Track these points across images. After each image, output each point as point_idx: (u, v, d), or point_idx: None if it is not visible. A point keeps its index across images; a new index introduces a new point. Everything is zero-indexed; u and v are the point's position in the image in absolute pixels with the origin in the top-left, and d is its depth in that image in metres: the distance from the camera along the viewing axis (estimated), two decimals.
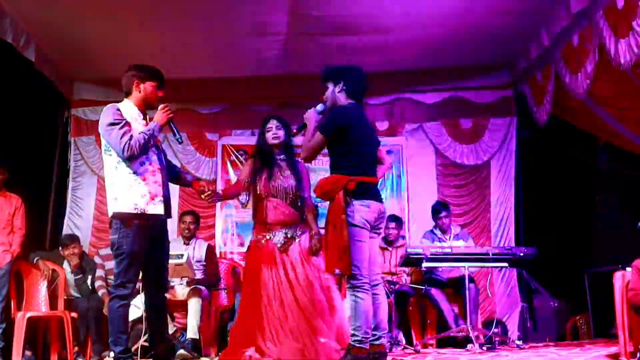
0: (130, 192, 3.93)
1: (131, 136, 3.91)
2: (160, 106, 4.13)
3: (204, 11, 6.01)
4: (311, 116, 4.04)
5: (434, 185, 7.63)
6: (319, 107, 4.10)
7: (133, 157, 3.92)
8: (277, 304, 4.32)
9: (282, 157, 4.64)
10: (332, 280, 4.49)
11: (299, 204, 4.61)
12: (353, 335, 3.76)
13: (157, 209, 3.97)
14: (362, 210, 3.82)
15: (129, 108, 4.08)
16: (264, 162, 4.61)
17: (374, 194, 3.94)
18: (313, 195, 4.45)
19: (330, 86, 4.06)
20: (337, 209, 3.76)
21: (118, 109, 4.00)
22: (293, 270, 4.41)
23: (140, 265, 4.00)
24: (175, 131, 4.19)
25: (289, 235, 4.52)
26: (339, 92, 4.03)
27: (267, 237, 4.54)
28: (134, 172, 3.95)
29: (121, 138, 3.87)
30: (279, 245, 4.50)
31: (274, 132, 4.60)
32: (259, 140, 4.71)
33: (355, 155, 3.89)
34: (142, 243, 3.94)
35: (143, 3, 5.85)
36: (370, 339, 3.79)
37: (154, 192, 3.97)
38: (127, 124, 3.95)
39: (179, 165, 7.51)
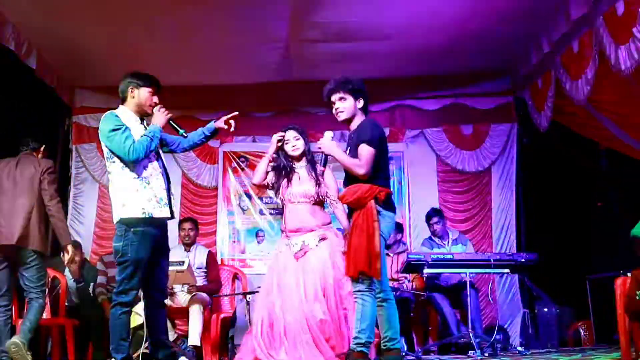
0: (138, 196, 3.96)
1: (134, 139, 3.95)
2: (155, 108, 4.16)
3: (205, 18, 6.03)
4: (329, 143, 4.10)
5: (435, 192, 7.63)
6: (329, 133, 4.17)
7: (138, 160, 3.95)
8: (287, 313, 4.31)
9: (302, 164, 4.66)
10: (349, 292, 4.34)
11: (323, 209, 4.64)
12: (356, 338, 3.80)
13: (164, 212, 4.02)
14: (387, 221, 3.96)
15: (126, 114, 4.14)
16: (282, 173, 4.64)
17: (394, 206, 4.10)
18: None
19: (350, 99, 4.10)
20: (370, 215, 3.84)
21: (117, 115, 4.06)
22: (307, 279, 4.40)
23: (144, 272, 4.01)
24: (177, 127, 4.25)
25: (306, 242, 4.51)
26: (360, 107, 4.12)
27: (287, 244, 4.56)
28: (139, 177, 3.98)
29: (124, 142, 3.92)
30: (295, 252, 4.50)
31: (293, 144, 4.65)
32: (278, 152, 4.71)
33: (384, 166, 4.05)
34: (146, 250, 3.96)
35: (144, 11, 5.86)
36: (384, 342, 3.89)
37: (159, 195, 4.01)
38: (128, 128, 4.00)
39: (180, 172, 7.59)
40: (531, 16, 6.00)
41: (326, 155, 4.14)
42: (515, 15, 5.96)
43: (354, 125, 4.14)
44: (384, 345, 3.97)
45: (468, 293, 5.67)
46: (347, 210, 4.20)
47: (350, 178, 4.01)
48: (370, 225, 3.82)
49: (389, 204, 4.00)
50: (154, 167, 4.06)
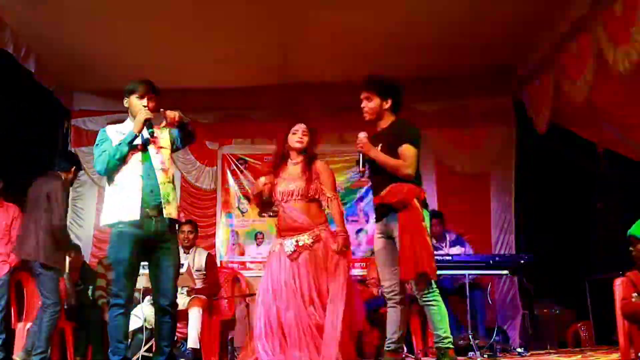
0: (111, 201, 4.08)
1: (105, 152, 4.07)
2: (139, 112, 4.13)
3: (202, 21, 6.04)
4: (366, 143, 4.05)
5: (433, 194, 7.62)
6: (364, 134, 4.10)
7: (103, 174, 4.12)
8: (285, 314, 4.26)
9: (298, 159, 4.50)
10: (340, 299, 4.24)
11: (319, 207, 4.45)
12: (446, 338, 3.86)
13: (133, 214, 3.99)
14: (427, 222, 3.96)
15: (128, 124, 4.20)
16: (276, 166, 4.55)
17: (428, 207, 4.10)
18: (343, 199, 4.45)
19: (377, 99, 4.09)
20: (418, 216, 3.86)
21: (105, 130, 4.20)
22: (299, 281, 4.32)
23: (131, 273, 4.02)
24: (147, 128, 4.11)
25: (299, 243, 4.33)
26: (387, 107, 4.11)
27: (279, 244, 4.42)
28: (114, 182, 4.09)
29: (97, 157, 4.10)
30: (289, 253, 4.34)
31: (300, 137, 4.48)
32: (280, 142, 4.61)
33: (419, 167, 4.03)
34: (125, 250, 3.97)
35: (142, 14, 5.86)
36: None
37: (131, 198, 4.01)
38: (106, 141, 4.11)
39: (179, 174, 7.58)
40: (530, 18, 6.01)
41: (365, 156, 4.06)
42: (513, 16, 5.97)
43: (383, 124, 4.13)
44: (388, 347, 4.06)
45: (467, 295, 5.69)
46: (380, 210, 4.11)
47: (381, 178, 4.01)
48: (422, 227, 3.85)
49: (426, 205, 4.02)
50: (131, 170, 4.07)
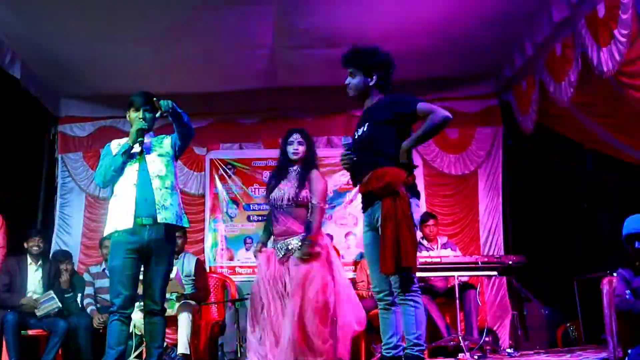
0: (111, 212, 4.19)
1: (103, 165, 4.21)
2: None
3: (189, 26, 6.04)
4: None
5: (422, 196, 7.60)
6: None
7: (107, 182, 4.19)
8: (269, 315, 4.30)
9: (296, 168, 4.57)
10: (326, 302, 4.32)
11: (306, 212, 4.51)
12: (417, 345, 3.51)
13: (126, 222, 4.06)
14: (416, 210, 3.64)
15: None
16: (275, 175, 4.63)
17: (419, 193, 3.76)
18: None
19: (360, 75, 3.79)
20: (405, 205, 3.49)
21: (109, 144, 4.31)
22: (285, 286, 4.38)
23: (126, 280, 4.04)
24: (138, 139, 4.19)
25: (289, 247, 4.45)
26: (372, 84, 3.80)
27: (271, 248, 4.53)
28: (114, 195, 4.20)
29: (97, 170, 4.28)
30: (280, 256, 4.46)
31: (295, 147, 4.57)
32: (280, 152, 4.68)
33: (410, 154, 3.67)
34: (119, 258, 4.04)
35: (129, 20, 5.85)
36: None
37: (126, 207, 4.08)
38: (106, 156, 4.22)
39: None
40: (514, 19, 6.04)
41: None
42: (498, 18, 6.00)
43: (370, 102, 3.82)
44: (388, 353, 3.71)
45: (457, 296, 5.71)
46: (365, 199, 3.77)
47: (362, 163, 3.68)
48: (407, 216, 3.47)
49: (415, 191, 3.67)
50: (126, 179, 4.16)
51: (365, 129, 3.74)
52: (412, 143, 3.63)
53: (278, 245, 4.51)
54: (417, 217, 3.64)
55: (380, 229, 3.55)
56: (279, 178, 4.59)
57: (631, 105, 5.26)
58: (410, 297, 3.55)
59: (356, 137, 3.82)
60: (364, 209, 3.82)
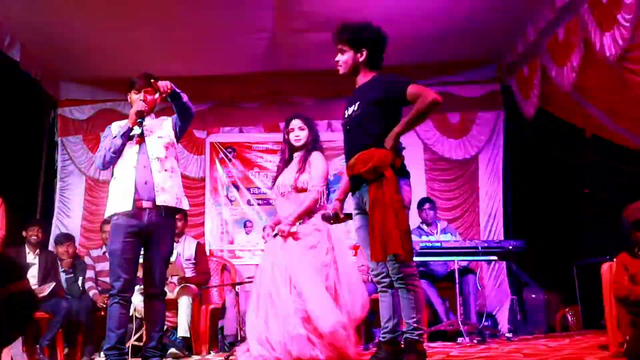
0: (111, 194, 4.20)
1: (103, 147, 4.24)
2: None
3: (189, 9, 5.99)
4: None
5: (422, 180, 7.63)
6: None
7: (107, 163, 4.20)
8: (268, 299, 4.27)
9: (301, 154, 4.51)
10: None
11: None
12: (416, 329, 3.49)
13: (126, 204, 4.06)
14: (408, 191, 3.56)
15: None
16: (281, 163, 4.60)
17: (409, 174, 3.66)
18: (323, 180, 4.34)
19: (349, 51, 3.70)
20: (393, 188, 3.39)
21: (110, 126, 4.32)
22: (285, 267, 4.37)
23: (125, 263, 4.06)
24: (137, 121, 4.21)
25: (292, 230, 4.36)
26: (362, 60, 3.71)
27: (275, 232, 4.44)
28: (114, 177, 4.22)
29: (97, 152, 4.29)
30: (282, 243, 4.35)
31: (296, 134, 4.49)
32: (283, 140, 4.62)
33: (399, 138, 3.54)
34: (118, 241, 4.06)
35: (129, 3, 5.81)
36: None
37: (125, 189, 4.09)
38: (109, 136, 4.23)
39: None
40: (517, 3, 6.01)
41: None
42: (501, 2, 5.97)
43: (361, 80, 3.75)
44: (384, 337, 3.70)
45: (457, 281, 5.73)
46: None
47: (350, 146, 3.66)
48: (395, 200, 3.37)
49: (404, 172, 3.58)
50: (126, 161, 4.17)
51: (355, 108, 3.70)
52: (402, 128, 3.51)
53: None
54: (408, 197, 3.58)
55: (369, 214, 3.51)
56: (284, 165, 4.58)
57: (633, 90, 5.24)
58: (409, 282, 3.52)
59: (346, 115, 3.78)
60: (352, 191, 3.79)
